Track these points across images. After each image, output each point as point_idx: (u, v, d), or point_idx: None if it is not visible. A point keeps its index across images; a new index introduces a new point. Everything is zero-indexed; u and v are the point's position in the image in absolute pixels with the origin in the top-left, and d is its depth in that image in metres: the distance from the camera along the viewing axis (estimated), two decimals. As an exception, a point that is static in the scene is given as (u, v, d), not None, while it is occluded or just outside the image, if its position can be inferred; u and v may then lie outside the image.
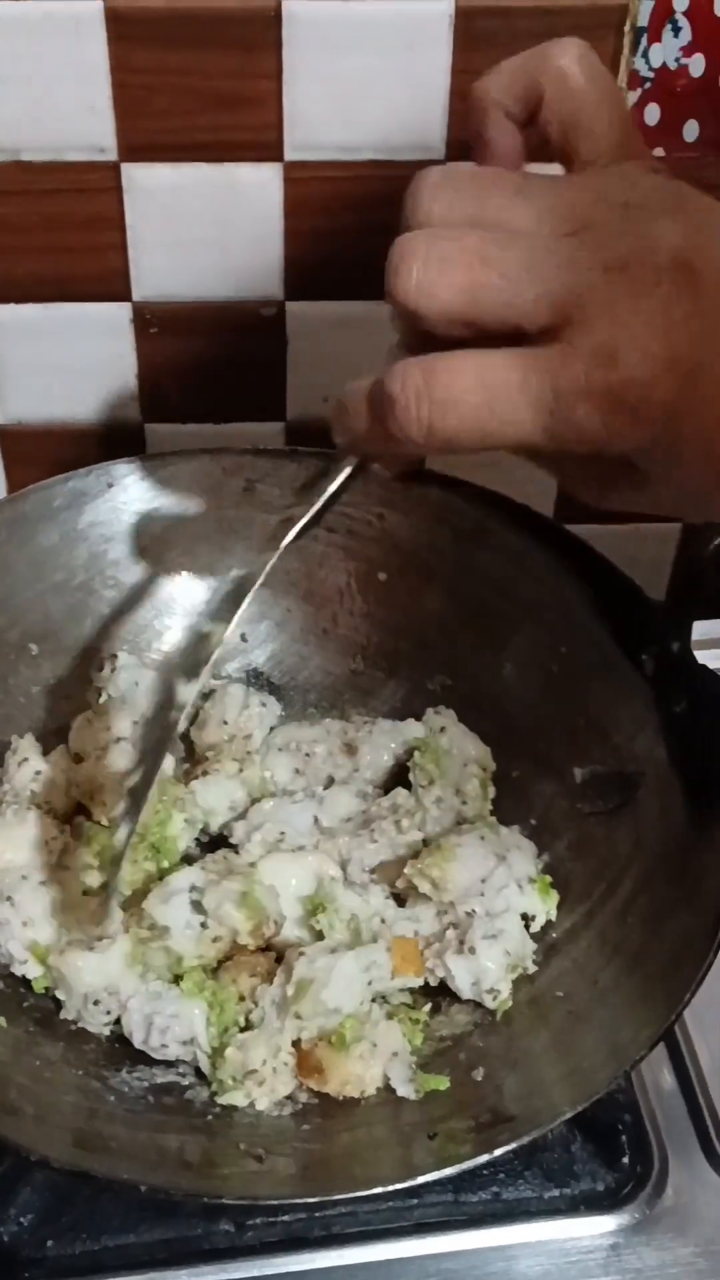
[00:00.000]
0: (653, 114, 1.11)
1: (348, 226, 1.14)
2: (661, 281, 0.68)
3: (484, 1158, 0.83)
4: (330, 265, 1.16)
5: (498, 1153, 0.82)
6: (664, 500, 0.76)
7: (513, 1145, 0.83)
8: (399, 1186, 0.82)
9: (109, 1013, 0.93)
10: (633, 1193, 0.96)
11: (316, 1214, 0.93)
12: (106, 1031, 0.94)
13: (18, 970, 0.95)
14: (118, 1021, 0.94)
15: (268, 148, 1.10)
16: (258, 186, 1.12)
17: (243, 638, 1.13)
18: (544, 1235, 0.94)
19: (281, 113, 1.08)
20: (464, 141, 1.05)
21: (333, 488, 0.85)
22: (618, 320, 0.67)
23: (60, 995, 0.95)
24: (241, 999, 0.94)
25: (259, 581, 0.86)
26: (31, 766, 1.03)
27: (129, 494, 1.10)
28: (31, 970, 0.95)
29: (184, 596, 1.12)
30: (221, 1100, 0.90)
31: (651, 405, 0.68)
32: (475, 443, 0.71)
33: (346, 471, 0.85)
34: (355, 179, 1.12)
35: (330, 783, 1.04)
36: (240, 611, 0.86)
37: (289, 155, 1.10)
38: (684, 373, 0.67)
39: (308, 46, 1.06)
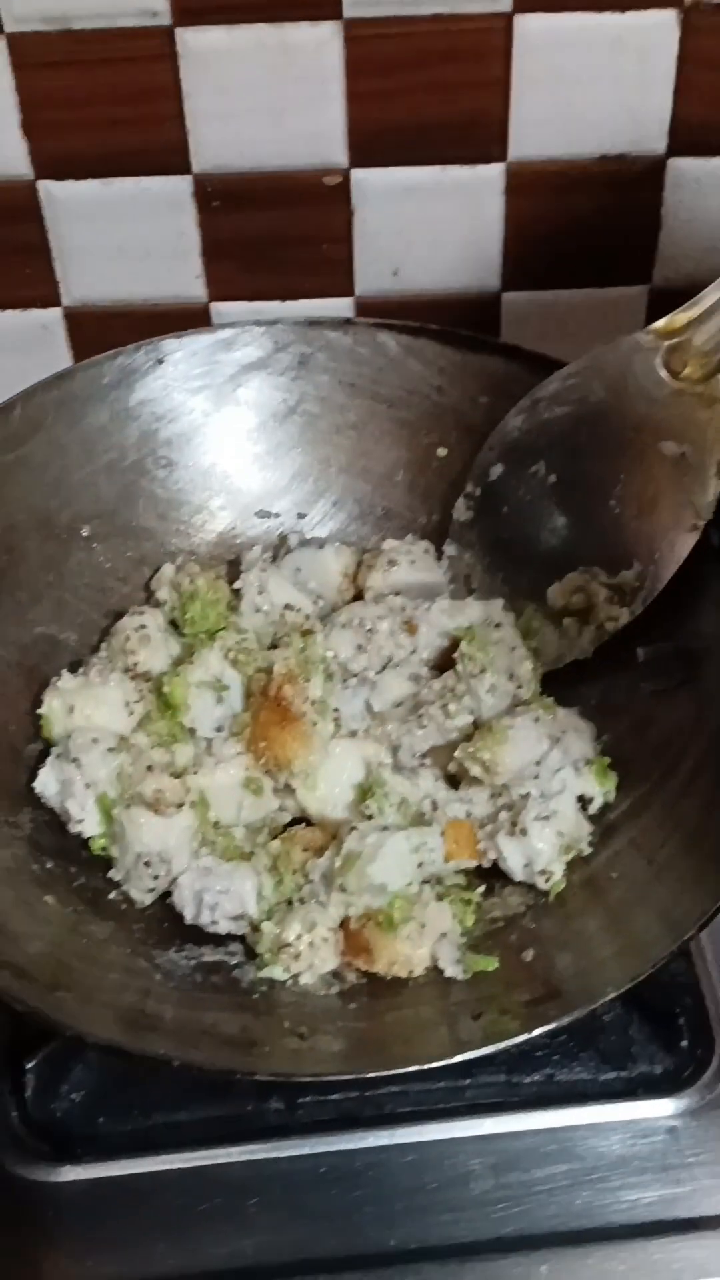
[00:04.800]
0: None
1: (412, 86, 1.12)
2: None
3: (531, 1034, 0.84)
4: (395, 129, 1.15)
5: (544, 1029, 0.84)
6: None
7: (561, 1021, 0.84)
8: (440, 1064, 0.84)
9: (156, 878, 0.96)
10: (692, 1077, 0.97)
11: (368, 1093, 0.95)
12: (149, 899, 0.97)
13: (74, 828, 0.99)
14: (162, 897, 0.97)
15: (325, 4, 1.09)
16: (316, 47, 1.11)
17: (300, 515, 1.15)
18: (600, 1118, 0.96)
19: (337, -34, 1.08)
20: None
21: None
22: None
23: (114, 853, 0.98)
24: (295, 873, 0.96)
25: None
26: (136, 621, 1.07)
27: (179, 370, 1.11)
28: (89, 827, 0.99)
29: (239, 476, 1.14)
30: (262, 974, 0.93)
31: None
32: None
33: None
34: (417, 35, 1.10)
35: (388, 663, 1.05)
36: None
37: (348, 12, 1.09)
38: None
39: None
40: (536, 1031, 0.84)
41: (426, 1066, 0.84)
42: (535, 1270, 0.91)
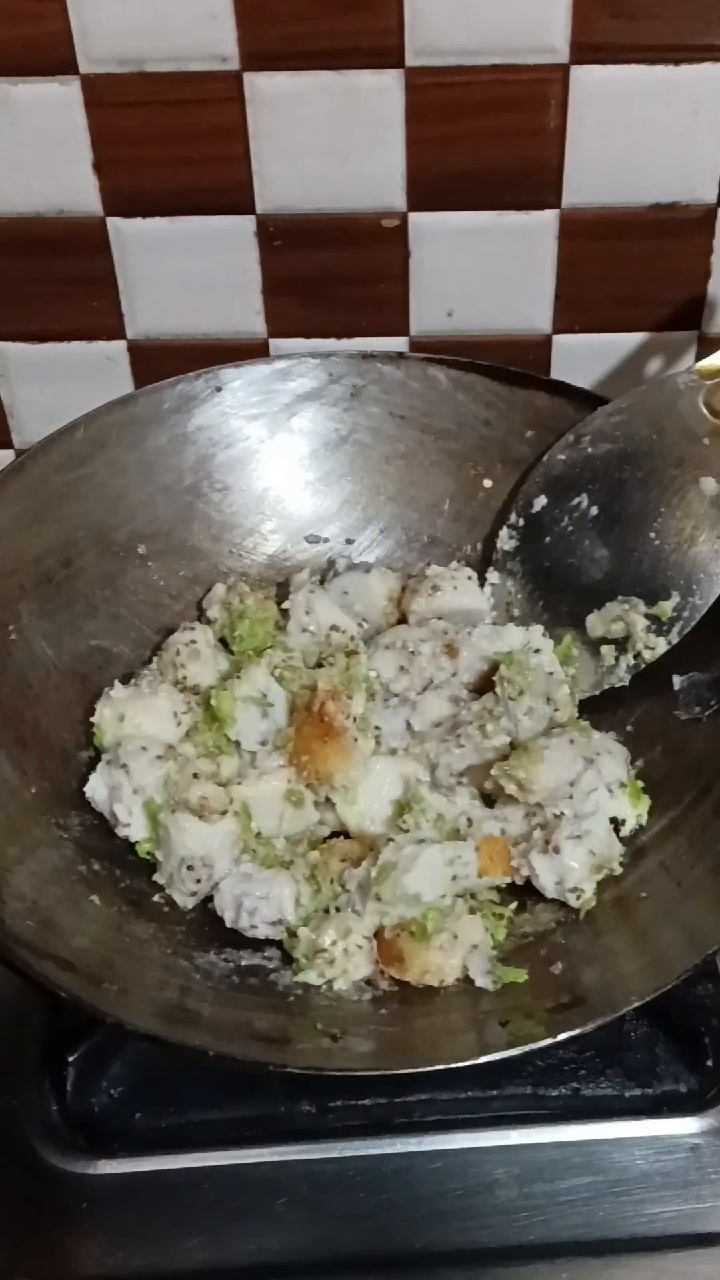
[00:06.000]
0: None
1: (470, 133, 1.17)
2: None
3: (556, 1038, 0.87)
4: (453, 175, 1.20)
5: (568, 1034, 0.87)
6: None
7: (585, 1028, 0.88)
8: (465, 1064, 0.87)
9: (198, 882, 1.00)
10: (716, 1096, 1.00)
11: (397, 1100, 0.99)
12: (191, 903, 1.01)
13: (121, 832, 1.03)
14: (204, 902, 1.01)
15: (388, 53, 1.14)
16: (379, 93, 1.16)
17: (348, 540, 1.19)
18: (624, 1133, 0.99)
19: (402, 16, 1.12)
20: (586, 44, 1.10)
21: None
22: None
23: (159, 857, 1.02)
24: (331, 882, 1.00)
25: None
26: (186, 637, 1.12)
27: (236, 398, 1.16)
28: (136, 831, 1.03)
29: (291, 502, 1.19)
30: (298, 978, 0.97)
31: None
32: None
33: None
34: (477, 84, 1.15)
35: (429, 685, 1.09)
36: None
37: (410, 61, 1.14)
38: None
39: (424, -50, 1.10)
40: (561, 1036, 0.87)
41: (452, 1066, 0.87)
42: (556, 1278, 0.94)
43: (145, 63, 1.15)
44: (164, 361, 1.29)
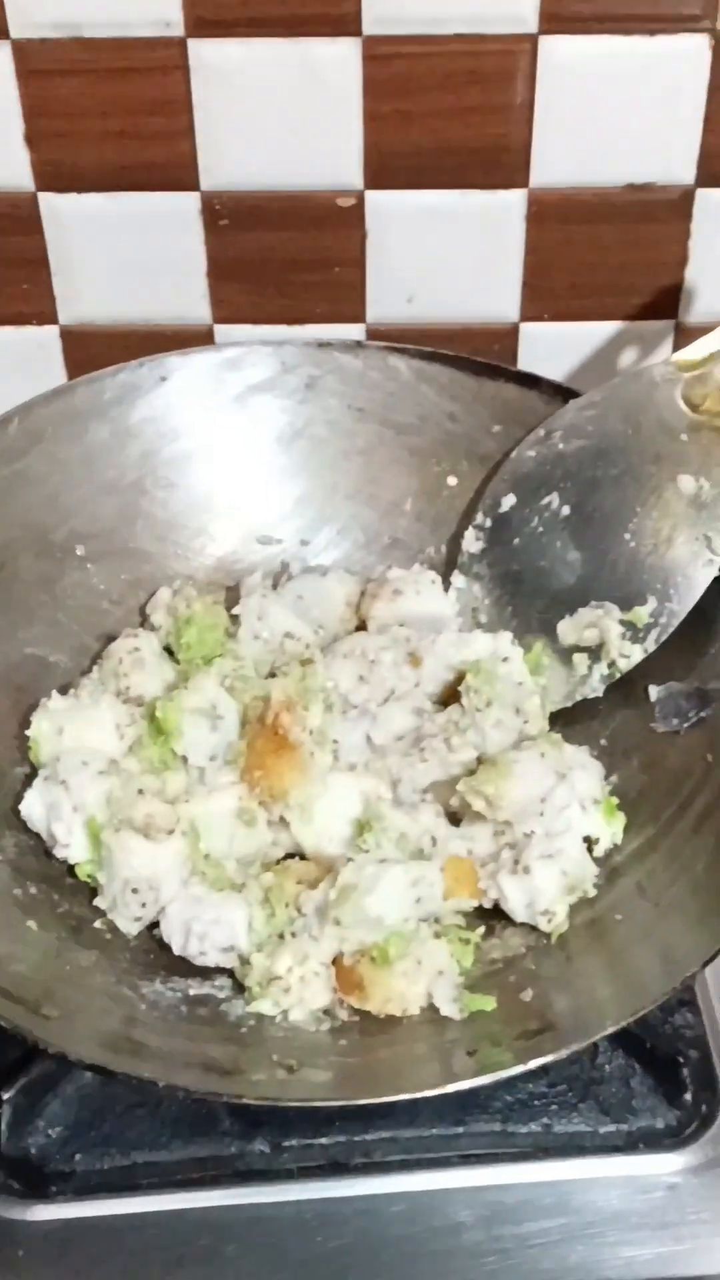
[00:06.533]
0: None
1: (432, 107, 1.26)
2: None
3: (526, 1065, 0.95)
4: (413, 151, 1.28)
5: (539, 1062, 0.95)
6: None
7: (558, 1054, 0.95)
8: (433, 1093, 0.95)
9: (143, 906, 1.08)
10: (696, 1132, 1.07)
11: (356, 1138, 1.07)
12: (135, 929, 1.09)
13: (60, 853, 1.11)
14: (150, 928, 1.09)
15: (345, 21, 1.22)
16: (334, 65, 1.24)
17: (303, 542, 1.28)
18: (598, 1172, 1.06)
19: (361, -19, 1.20)
20: (556, 13, 1.20)
21: None
22: None
23: (101, 879, 1.10)
24: (287, 905, 1.08)
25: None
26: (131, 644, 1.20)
27: (182, 389, 1.25)
28: (76, 852, 1.11)
29: (241, 500, 1.27)
30: (251, 1008, 1.05)
31: None
32: None
33: None
34: (439, 54, 1.23)
35: (390, 696, 1.18)
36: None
37: (368, 29, 1.22)
38: None
39: None
40: (532, 1064, 0.95)
41: (417, 1095, 0.95)
42: (526, 1325, 1.01)
43: (82, 27, 1.22)
44: (100, 349, 1.37)
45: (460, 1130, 1.07)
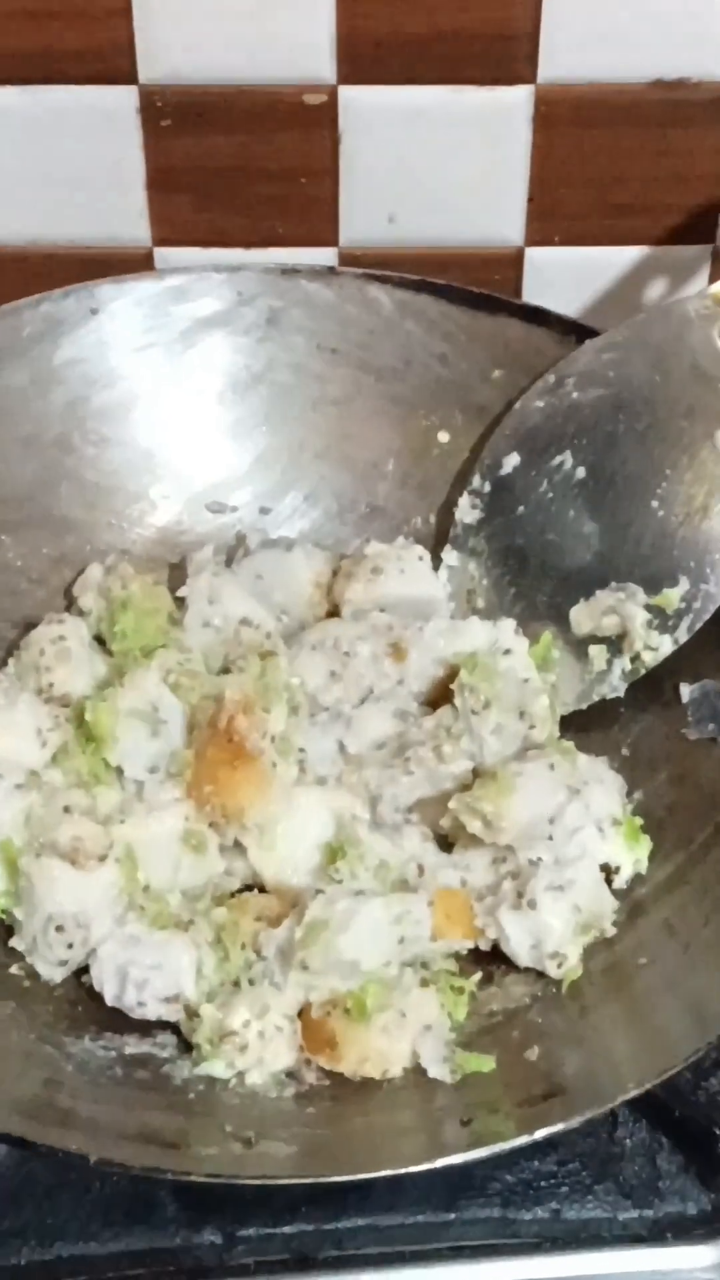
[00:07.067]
0: None
1: (417, -12, 1.24)
2: None
3: (532, 1135, 0.93)
4: (396, 39, 1.26)
5: (546, 1131, 0.93)
6: None
7: (569, 1123, 0.94)
8: (419, 1169, 0.93)
9: (69, 947, 1.06)
10: (735, 1220, 1.07)
11: (327, 1226, 1.04)
12: (60, 975, 1.07)
13: (-34, 885, 1.09)
14: (78, 974, 1.07)
15: None
16: (302, -67, 1.23)
17: (263, 510, 1.26)
18: (618, 1267, 1.04)
19: None
20: None
21: None
22: None
23: (18, 915, 1.08)
24: (243, 947, 1.06)
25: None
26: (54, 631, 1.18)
27: (118, 324, 1.23)
28: None
29: (188, 459, 1.25)
30: (199, 1070, 1.03)
31: None
32: None
33: None
34: None
35: (368, 696, 1.16)
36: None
37: None
38: None
39: None
40: (538, 1134, 0.93)
41: (398, 1171, 0.93)
42: None
43: None
44: (17, 276, 1.35)
45: (452, 1217, 1.05)
